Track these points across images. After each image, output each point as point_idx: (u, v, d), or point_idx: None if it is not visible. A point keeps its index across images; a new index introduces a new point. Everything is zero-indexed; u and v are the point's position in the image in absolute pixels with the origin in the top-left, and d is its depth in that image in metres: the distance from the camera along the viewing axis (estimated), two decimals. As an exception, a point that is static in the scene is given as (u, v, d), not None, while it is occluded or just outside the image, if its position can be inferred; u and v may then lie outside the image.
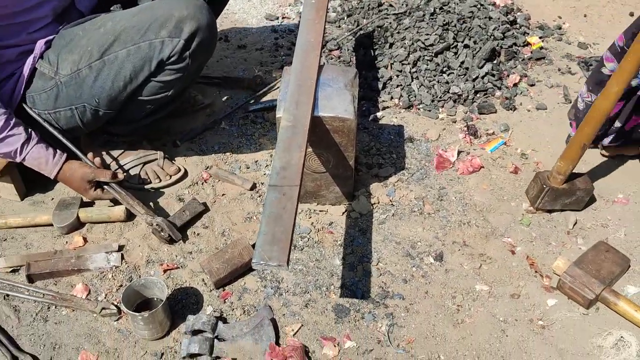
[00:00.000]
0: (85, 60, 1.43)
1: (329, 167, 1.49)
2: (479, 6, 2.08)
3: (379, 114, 1.85)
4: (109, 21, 1.45)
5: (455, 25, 1.97)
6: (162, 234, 1.47)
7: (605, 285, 1.30)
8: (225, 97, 1.95)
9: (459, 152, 1.70)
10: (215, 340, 1.27)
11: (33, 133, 1.46)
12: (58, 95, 1.47)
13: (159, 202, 1.60)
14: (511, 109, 1.86)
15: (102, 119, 1.53)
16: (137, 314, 1.22)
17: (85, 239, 1.51)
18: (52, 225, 1.52)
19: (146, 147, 1.70)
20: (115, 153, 1.65)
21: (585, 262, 1.35)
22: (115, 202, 1.55)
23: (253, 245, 1.26)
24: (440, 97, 1.86)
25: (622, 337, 1.24)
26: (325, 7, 1.57)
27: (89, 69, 1.43)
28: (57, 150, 1.49)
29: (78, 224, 1.54)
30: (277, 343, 1.27)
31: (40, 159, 1.46)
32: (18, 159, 1.45)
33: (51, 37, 1.48)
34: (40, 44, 1.47)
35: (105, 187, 1.52)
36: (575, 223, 1.51)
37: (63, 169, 1.48)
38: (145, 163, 1.66)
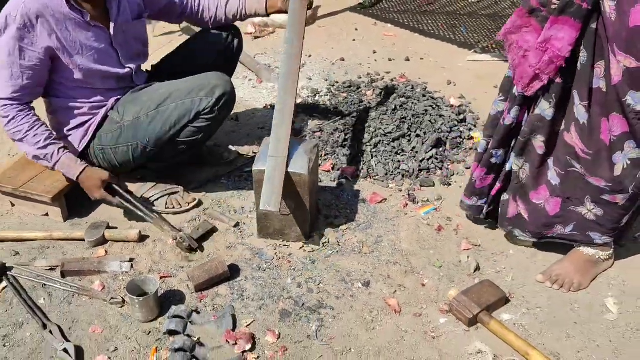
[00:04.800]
0: (144, 110, 2.03)
1: (291, 210, 2.00)
2: (434, 106, 2.65)
3: (343, 181, 2.37)
4: (164, 86, 2.08)
5: (410, 119, 2.53)
6: (184, 244, 1.98)
7: (482, 309, 1.73)
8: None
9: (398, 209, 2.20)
10: (189, 323, 1.74)
11: (62, 145, 2.01)
12: (120, 135, 2.06)
13: (176, 224, 2.13)
14: (447, 185, 2.36)
15: (147, 155, 2.10)
16: (134, 297, 1.72)
17: (106, 252, 2.03)
18: (84, 240, 2.06)
19: (171, 183, 2.26)
20: (148, 185, 2.21)
21: (470, 292, 1.79)
22: (138, 218, 2.08)
23: (228, 265, 1.88)
24: (392, 172, 2.39)
25: (479, 349, 1.65)
26: (295, 92, 2.05)
27: (146, 117, 2.03)
28: (80, 159, 2.04)
29: (103, 241, 2.07)
30: (233, 330, 1.73)
31: (70, 163, 2.00)
32: (51, 164, 1.99)
33: (118, 96, 2.10)
34: (111, 101, 2.09)
35: (122, 202, 2.05)
36: (477, 269, 1.96)
37: (85, 171, 2.01)
38: (170, 194, 2.21)
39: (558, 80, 1.61)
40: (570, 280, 1.86)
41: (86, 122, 2.09)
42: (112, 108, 2.09)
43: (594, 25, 1.52)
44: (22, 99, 1.93)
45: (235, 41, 2.33)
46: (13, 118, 1.91)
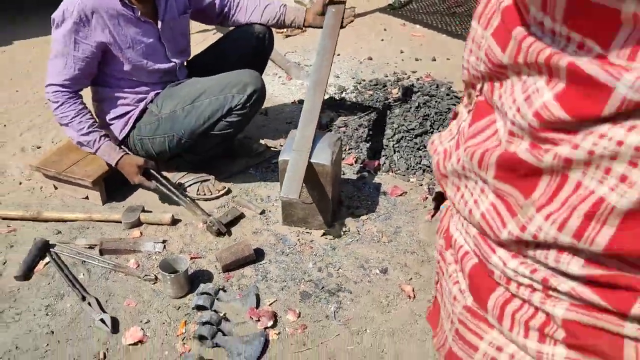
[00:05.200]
0: (180, 104, 2.17)
1: (314, 200, 2.11)
2: (456, 104, 2.73)
3: (365, 174, 2.47)
4: (199, 82, 2.21)
5: (432, 117, 2.62)
6: (214, 228, 2.11)
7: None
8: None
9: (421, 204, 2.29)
10: (216, 300, 1.87)
11: (104, 133, 2.16)
12: (158, 126, 2.21)
13: (207, 209, 2.26)
14: (466, 180, 2.44)
15: (182, 146, 2.24)
16: (166, 274, 1.85)
17: (141, 233, 2.17)
18: (120, 222, 2.20)
19: (202, 171, 2.39)
20: (181, 173, 2.35)
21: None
22: (172, 202, 2.23)
23: (254, 249, 1.99)
24: (413, 167, 2.47)
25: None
26: (324, 87, 2.20)
27: (182, 110, 2.17)
28: (120, 147, 2.20)
29: (138, 223, 2.21)
30: (257, 308, 1.85)
31: (110, 151, 2.15)
32: (93, 149, 2.14)
33: (159, 90, 2.24)
34: (151, 94, 2.24)
35: (159, 186, 2.19)
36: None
37: (123, 158, 2.16)
38: (202, 182, 2.35)
39: None
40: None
41: (128, 112, 2.23)
42: (151, 101, 2.24)
43: None
44: (72, 87, 2.09)
45: (266, 40, 2.45)
46: (62, 104, 2.07)
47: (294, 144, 2.03)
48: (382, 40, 3.76)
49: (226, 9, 2.41)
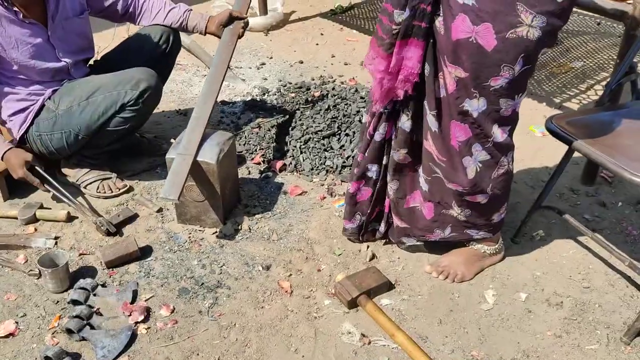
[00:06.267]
0: (76, 100, 2.21)
1: (204, 197, 2.15)
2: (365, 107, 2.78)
3: (269, 174, 2.51)
4: (96, 79, 2.26)
5: (340, 119, 2.67)
6: (103, 228, 2.14)
7: (361, 292, 1.85)
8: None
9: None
10: (93, 295, 1.90)
11: None
12: (55, 122, 2.24)
13: (104, 207, 2.29)
14: (367, 181, 2.48)
15: (80, 142, 2.27)
16: (44, 268, 1.88)
17: (35, 229, 2.20)
18: (17, 218, 2.23)
19: (105, 169, 2.42)
20: (83, 171, 2.38)
21: (354, 276, 1.91)
22: (57, 199, 2.25)
23: (143, 246, 2.07)
24: (317, 167, 2.52)
25: (349, 330, 1.77)
26: (214, 98, 2.24)
27: (78, 106, 2.20)
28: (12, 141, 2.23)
29: (34, 220, 2.24)
30: (132, 303, 1.88)
31: None
32: None
33: (57, 87, 2.27)
34: (49, 91, 2.26)
35: (45, 185, 2.21)
36: (373, 258, 2.08)
37: (10, 151, 2.17)
38: (102, 179, 2.38)
39: (410, 92, 1.73)
40: (455, 271, 1.97)
41: (25, 108, 2.26)
42: (49, 98, 2.27)
43: (431, 40, 1.65)
44: None
45: (171, 41, 2.49)
46: None
47: (179, 147, 2.07)
48: (317, 44, 3.81)
49: (130, 10, 2.45)
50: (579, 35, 3.85)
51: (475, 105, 1.63)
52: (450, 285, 1.96)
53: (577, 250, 2.11)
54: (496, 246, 2.00)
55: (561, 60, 3.55)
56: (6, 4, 2.08)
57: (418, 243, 2.06)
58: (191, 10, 2.48)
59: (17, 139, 2.30)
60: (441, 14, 1.60)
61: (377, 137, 1.87)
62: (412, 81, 1.67)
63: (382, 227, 2.09)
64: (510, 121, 1.70)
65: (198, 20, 2.45)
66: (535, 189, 2.39)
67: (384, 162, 1.93)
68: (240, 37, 2.44)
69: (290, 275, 2.01)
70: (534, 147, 2.67)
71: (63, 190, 2.22)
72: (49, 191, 2.24)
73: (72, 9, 2.29)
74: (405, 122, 1.80)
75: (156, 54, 2.47)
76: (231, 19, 2.42)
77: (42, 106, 2.27)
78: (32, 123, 2.28)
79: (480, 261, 2.00)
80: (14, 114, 2.27)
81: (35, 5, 2.17)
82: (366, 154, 1.93)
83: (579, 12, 3.87)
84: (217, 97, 2.25)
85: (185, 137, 2.10)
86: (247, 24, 2.48)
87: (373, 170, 1.96)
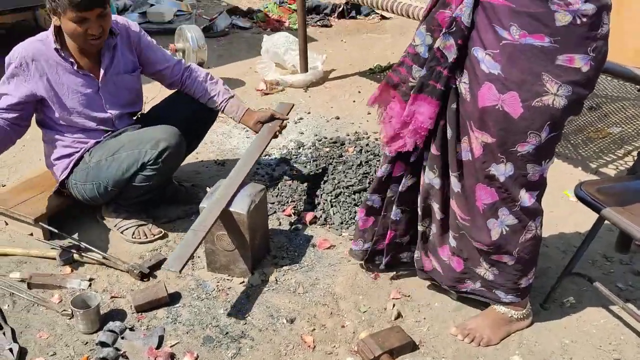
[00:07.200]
0: (105, 155, 2.33)
1: (234, 247, 2.20)
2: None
3: (299, 226, 2.55)
4: (124, 136, 2.37)
5: (372, 175, 2.71)
6: (135, 272, 2.22)
7: (384, 352, 1.84)
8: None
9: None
10: (121, 338, 1.94)
11: None
12: (87, 174, 2.36)
13: (138, 252, 2.37)
14: (396, 238, 2.49)
15: (110, 194, 2.38)
16: (76, 309, 1.94)
17: (72, 270, 2.29)
18: (55, 259, 2.33)
19: (142, 215, 2.52)
20: (121, 216, 2.48)
21: (378, 335, 1.90)
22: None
23: (172, 292, 2.14)
24: (347, 221, 2.55)
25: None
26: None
27: (105, 161, 2.32)
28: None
29: (72, 261, 2.33)
30: (158, 348, 1.92)
31: None
32: None
33: (99, 138, 2.40)
34: (92, 142, 2.40)
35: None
36: (398, 317, 2.07)
37: None
38: (138, 226, 2.47)
39: (434, 151, 1.77)
40: (481, 335, 1.94)
41: (69, 155, 2.39)
42: (88, 150, 2.39)
43: (454, 106, 1.70)
44: (5, 115, 2.24)
45: (208, 109, 2.63)
46: None
47: (194, 224, 2.05)
48: (354, 101, 3.91)
49: (174, 86, 2.61)
50: (618, 101, 3.84)
51: (502, 170, 1.65)
52: (476, 349, 1.93)
53: (608, 320, 2.05)
54: (524, 311, 1.97)
55: (599, 125, 3.53)
56: (63, 55, 2.25)
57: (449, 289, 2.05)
58: (232, 97, 2.62)
59: (59, 182, 2.43)
60: (466, 81, 1.65)
61: (379, 173, 2.00)
62: (421, 134, 1.72)
63: (384, 261, 2.15)
64: (538, 186, 1.72)
65: (234, 111, 2.60)
66: (567, 254, 2.35)
67: (389, 194, 2.02)
68: (275, 137, 2.60)
69: (314, 329, 2.02)
70: (567, 211, 2.64)
71: (97, 256, 2.32)
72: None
73: (125, 66, 2.44)
74: (433, 178, 1.84)
75: (192, 116, 2.59)
76: (271, 119, 2.57)
77: (82, 157, 2.39)
78: (71, 171, 2.40)
79: (507, 326, 1.97)
80: (58, 158, 2.41)
81: (91, 57, 2.33)
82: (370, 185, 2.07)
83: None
84: (244, 179, 2.30)
85: (202, 213, 2.11)
86: (285, 126, 2.65)
87: (373, 199, 2.07)
